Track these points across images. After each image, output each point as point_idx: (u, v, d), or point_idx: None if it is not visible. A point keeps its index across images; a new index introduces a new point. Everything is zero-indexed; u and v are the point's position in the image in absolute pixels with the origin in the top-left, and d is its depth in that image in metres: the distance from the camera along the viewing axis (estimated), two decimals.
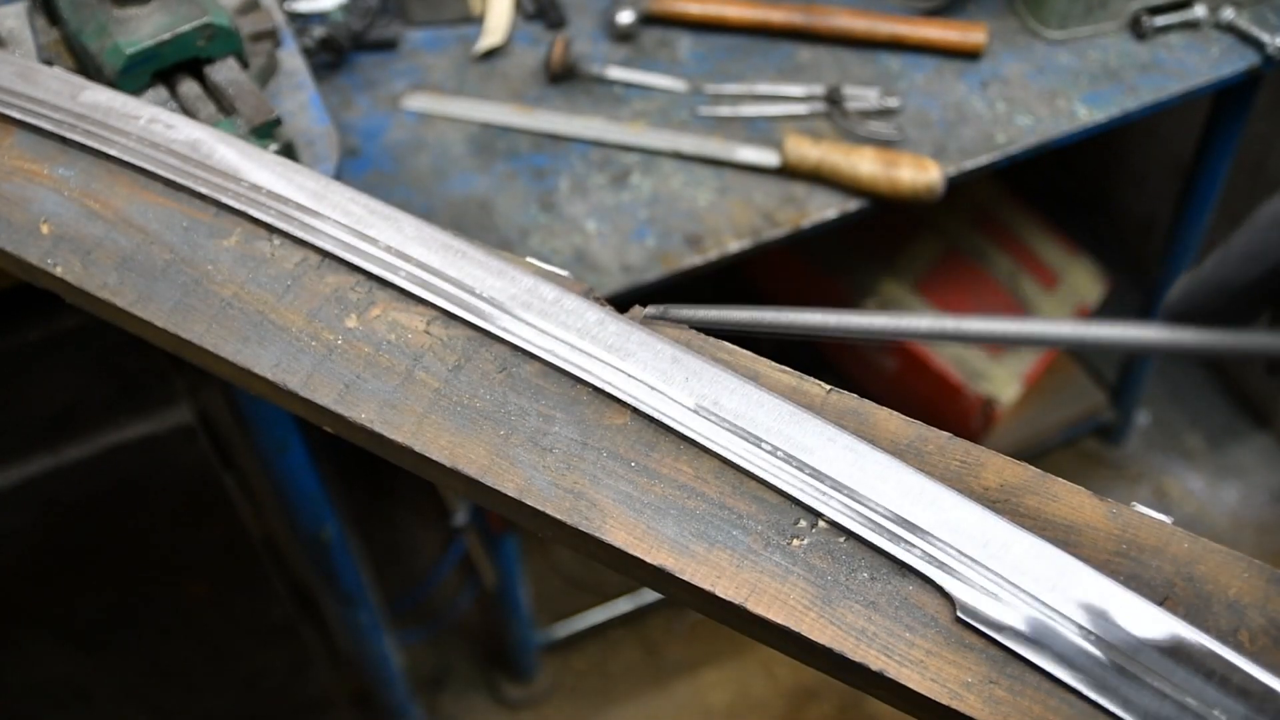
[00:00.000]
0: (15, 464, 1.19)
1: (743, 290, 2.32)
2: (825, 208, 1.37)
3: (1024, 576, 0.54)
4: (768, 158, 1.38)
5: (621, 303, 0.68)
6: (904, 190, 1.34)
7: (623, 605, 2.12)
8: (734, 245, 1.34)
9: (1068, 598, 0.53)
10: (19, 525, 1.26)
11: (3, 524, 1.25)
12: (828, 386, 0.63)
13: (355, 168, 1.41)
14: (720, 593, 0.57)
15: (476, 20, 1.56)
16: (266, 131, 0.93)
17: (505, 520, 1.69)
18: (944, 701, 0.53)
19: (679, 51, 1.53)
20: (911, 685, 0.53)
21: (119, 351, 1.14)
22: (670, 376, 0.62)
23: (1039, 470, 0.59)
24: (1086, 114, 1.44)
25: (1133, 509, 0.58)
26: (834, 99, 1.44)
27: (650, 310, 0.64)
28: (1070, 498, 0.58)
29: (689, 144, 1.41)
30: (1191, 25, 1.52)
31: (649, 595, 2.11)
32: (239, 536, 1.39)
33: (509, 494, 0.61)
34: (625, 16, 1.52)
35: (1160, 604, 0.53)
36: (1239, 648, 0.52)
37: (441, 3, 1.55)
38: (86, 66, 0.93)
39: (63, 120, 0.75)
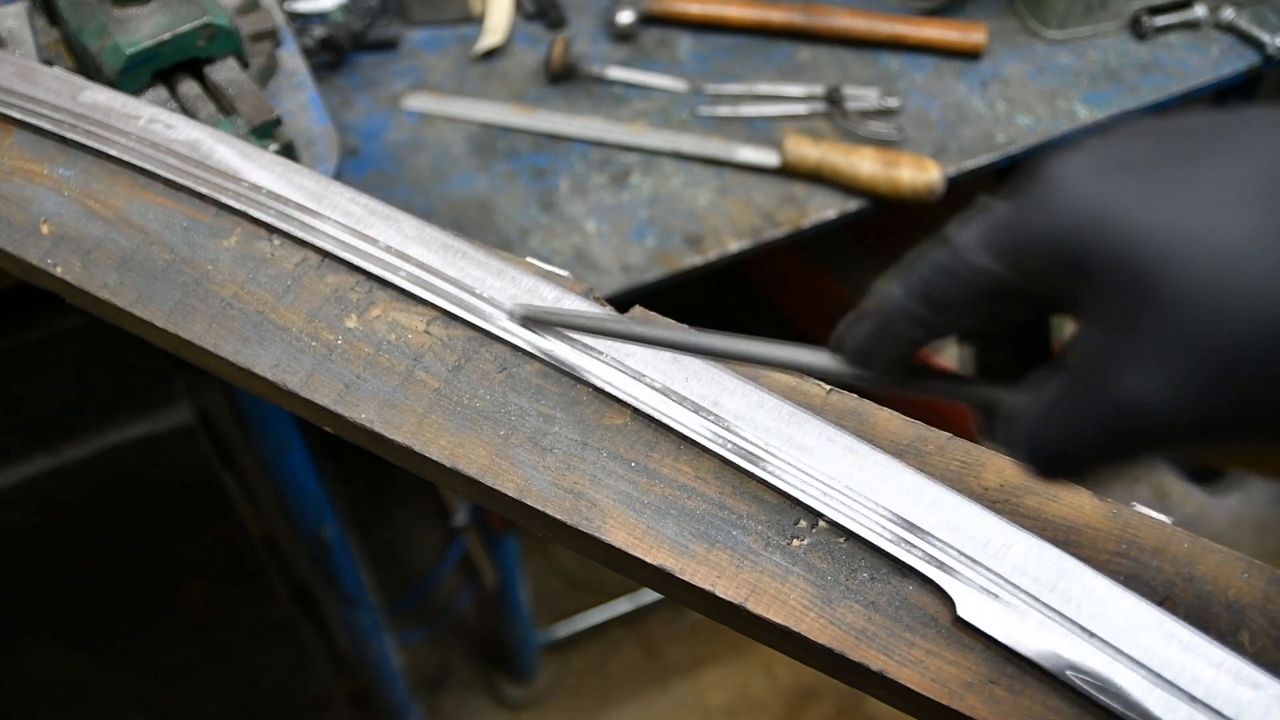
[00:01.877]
0: (15, 464, 1.19)
1: (743, 290, 2.32)
2: (825, 208, 1.37)
3: (1024, 576, 0.54)
4: (768, 158, 1.38)
5: (621, 303, 0.68)
6: (904, 190, 1.34)
7: (623, 605, 2.12)
8: (734, 245, 1.34)
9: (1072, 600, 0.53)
10: (19, 525, 1.26)
11: (3, 524, 1.25)
12: (828, 387, 0.63)
13: (355, 168, 1.41)
14: (720, 593, 0.57)
15: (476, 20, 1.56)
16: (266, 131, 0.93)
17: (505, 520, 1.69)
18: (944, 701, 0.53)
19: (679, 51, 1.53)
20: (911, 685, 0.53)
21: (119, 351, 1.14)
22: (670, 376, 0.62)
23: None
24: (1086, 114, 1.44)
25: (1133, 509, 0.58)
26: (834, 99, 1.44)
27: (520, 307, 0.64)
28: (1070, 498, 0.58)
29: (689, 144, 1.41)
30: (1191, 25, 1.52)
31: (649, 595, 2.11)
32: (239, 536, 1.39)
33: (509, 494, 0.61)
34: (625, 16, 1.52)
35: (1160, 604, 0.53)
36: (1239, 648, 0.52)
37: (441, 3, 1.55)
38: (86, 66, 0.93)
39: (63, 120, 0.75)
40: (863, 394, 0.63)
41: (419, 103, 1.47)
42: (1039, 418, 0.40)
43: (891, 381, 0.48)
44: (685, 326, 0.61)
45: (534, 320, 0.64)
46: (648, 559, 0.58)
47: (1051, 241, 0.38)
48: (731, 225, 1.35)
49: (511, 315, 0.65)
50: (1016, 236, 0.40)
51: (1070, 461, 0.40)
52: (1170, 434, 0.36)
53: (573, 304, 0.66)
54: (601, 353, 0.64)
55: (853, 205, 1.37)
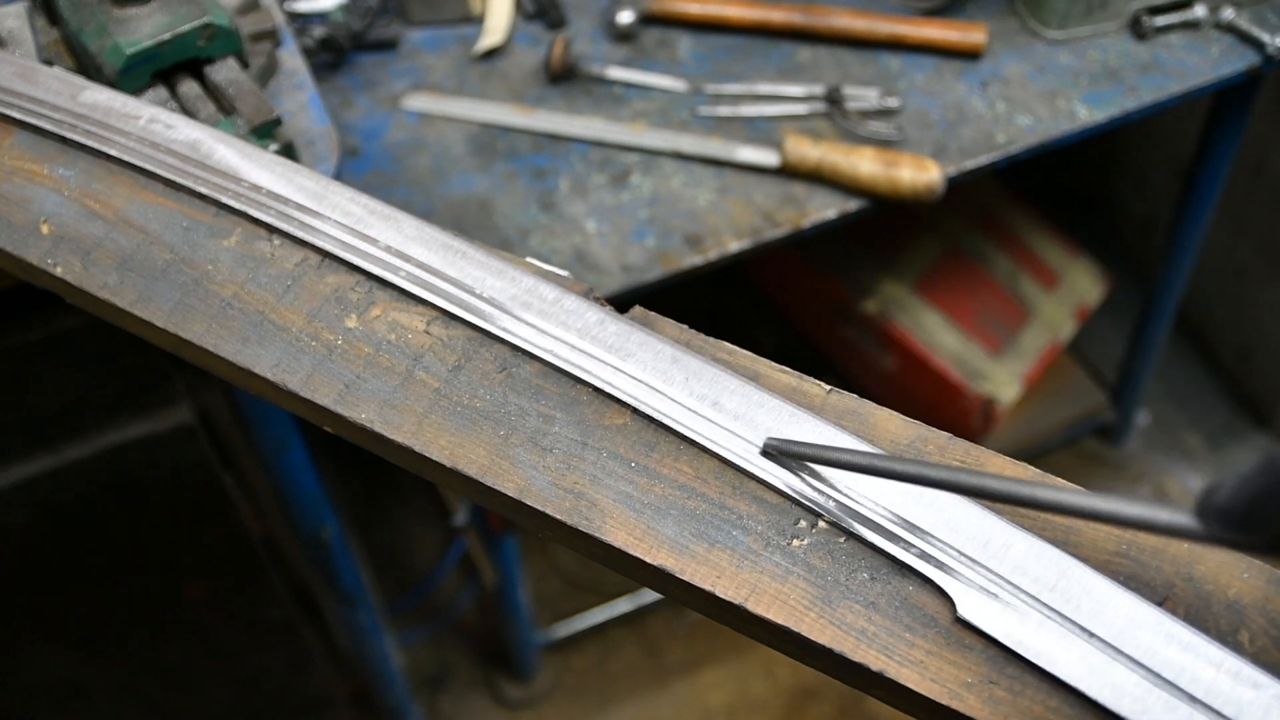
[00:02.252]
0: (15, 464, 1.19)
1: (743, 290, 2.32)
2: (825, 208, 1.37)
3: (1024, 576, 0.54)
4: (768, 158, 1.38)
5: (621, 303, 0.68)
6: (904, 190, 1.34)
7: (623, 605, 2.12)
8: (734, 245, 1.34)
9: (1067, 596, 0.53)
10: (19, 525, 1.26)
11: (3, 524, 1.25)
12: (828, 387, 0.63)
13: (355, 168, 1.41)
14: (720, 593, 0.57)
15: (476, 20, 1.56)
16: (266, 131, 0.93)
17: (505, 520, 1.69)
18: (944, 701, 0.53)
19: (679, 51, 1.53)
20: (911, 685, 0.53)
21: (119, 351, 1.14)
22: (670, 376, 0.62)
23: (1039, 470, 0.59)
24: (1086, 114, 1.44)
25: None
26: (834, 99, 1.44)
27: (773, 442, 0.59)
28: None
29: (689, 144, 1.41)
30: (1191, 25, 1.52)
31: (649, 595, 2.11)
32: (239, 536, 1.39)
33: (509, 494, 0.61)
34: (625, 16, 1.52)
35: (1160, 604, 0.53)
36: (1239, 648, 0.52)
37: (441, 3, 1.55)
38: (86, 66, 0.93)
39: (63, 120, 0.75)
40: (863, 394, 0.63)
41: (419, 103, 1.47)
42: None
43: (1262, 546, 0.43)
44: (967, 471, 0.54)
45: (788, 454, 0.58)
46: (648, 559, 0.58)
47: None
48: (731, 225, 1.35)
49: (765, 451, 0.59)
50: None
51: None
52: None
53: (829, 438, 0.59)
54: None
55: (853, 205, 1.37)
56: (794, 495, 0.58)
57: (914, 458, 0.58)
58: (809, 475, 0.58)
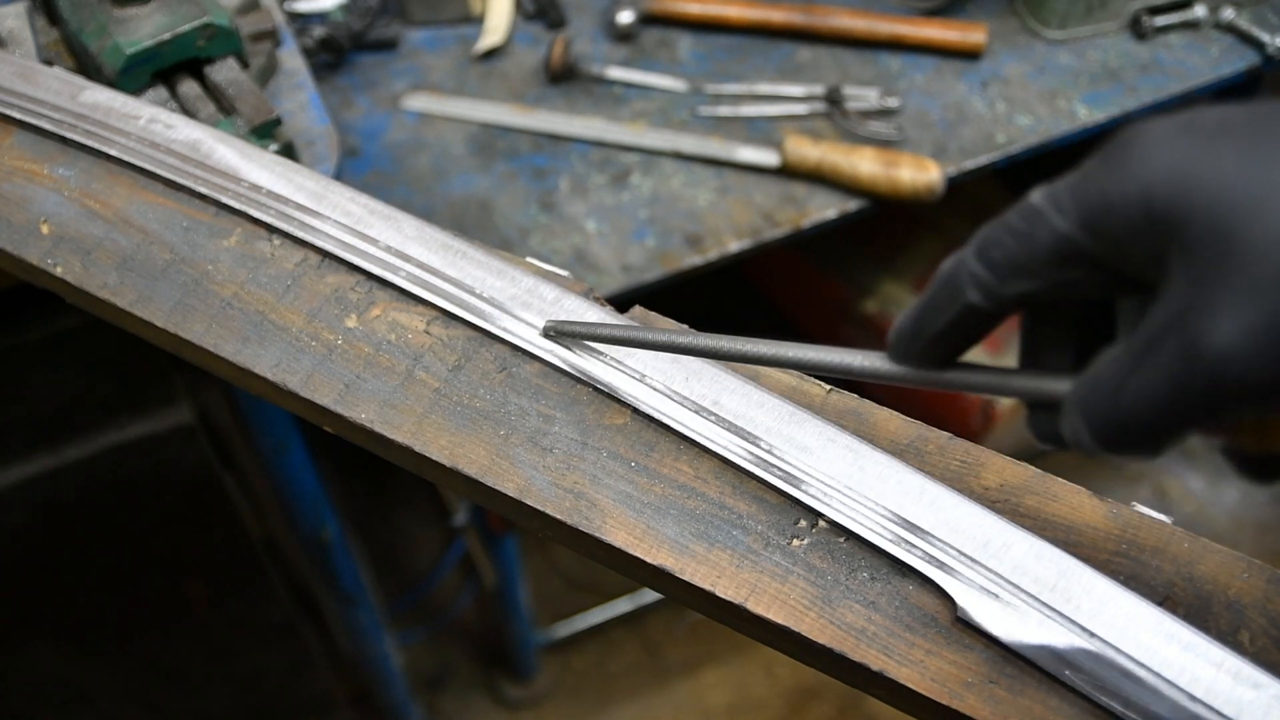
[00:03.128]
0: (15, 464, 1.19)
1: (743, 290, 2.32)
2: (825, 208, 1.37)
3: (1024, 576, 0.54)
4: (768, 158, 1.38)
5: (621, 303, 0.68)
6: (904, 190, 1.34)
7: (623, 605, 2.12)
8: (734, 245, 1.34)
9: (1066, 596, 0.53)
10: (19, 525, 1.26)
11: (3, 524, 1.25)
12: (828, 386, 0.63)
13: (355, 168, 1.41)
14: (720, 593, 0.57)
15: (476, 20, 1.56)
16: (266, 131, 0.93)
17: (505, 520, 1.69)
18: (944, 701, 0.53)
19: (679, 51, 1.53)
20: (911, 685, 0.53)
21: (119, 351, 1.14)
22: (670, 376, 0.62)
23: (1039, 470, 0.59)
24: (1086, 114, 1.44)
25: (1133, 509, 0.58)
26: (834, 99, 1.44)
27: (551, 324, 0.64)
28: (1070, 498, 0.58)
29: (689, 144, 1.41)
30: (1191, 25, 1.52)
31: (649, 595, 2.11)
32: (239, 536, 1.39)
33: (509, 494, 0.61)
34: (625, 16, 1.52)
35: (1160, 604, 0.53)
36: (1239, 648, 0.52)
37: (441, 3, 1.55)
38: (86, 66, 0.93)
39: (63, 120, 0.75)
40: (863, 394, 0.63)
41: (419, 103, 1.47)
42: (1106, 381, 0.39)
43: (939, 377, 0.46)
44: (692, 331, 0.61)
45: (563, 334, 0.63)
46: (648, 559, 0.58)
47: (1137, 201, 0.37)
48: (731, 225, 1.35)
49: (544, 332, 0.64)
50: (1098, 196, 0.39)
51: (1142, 427, 0.38)
52: (1248, 386, 0.35)
53: (599, 316, 0.65)
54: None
55: (853, 205, 1.37)
56: (789, 492, 0.58)
57: (670, 329, 0.62)
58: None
